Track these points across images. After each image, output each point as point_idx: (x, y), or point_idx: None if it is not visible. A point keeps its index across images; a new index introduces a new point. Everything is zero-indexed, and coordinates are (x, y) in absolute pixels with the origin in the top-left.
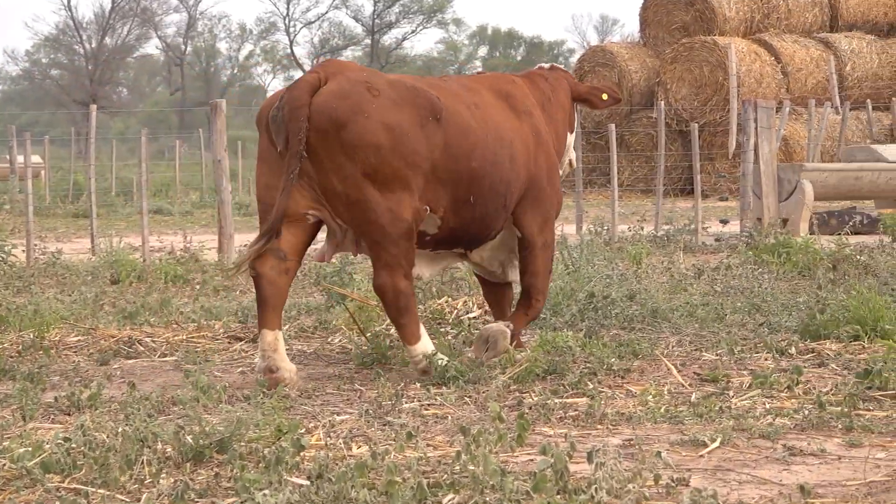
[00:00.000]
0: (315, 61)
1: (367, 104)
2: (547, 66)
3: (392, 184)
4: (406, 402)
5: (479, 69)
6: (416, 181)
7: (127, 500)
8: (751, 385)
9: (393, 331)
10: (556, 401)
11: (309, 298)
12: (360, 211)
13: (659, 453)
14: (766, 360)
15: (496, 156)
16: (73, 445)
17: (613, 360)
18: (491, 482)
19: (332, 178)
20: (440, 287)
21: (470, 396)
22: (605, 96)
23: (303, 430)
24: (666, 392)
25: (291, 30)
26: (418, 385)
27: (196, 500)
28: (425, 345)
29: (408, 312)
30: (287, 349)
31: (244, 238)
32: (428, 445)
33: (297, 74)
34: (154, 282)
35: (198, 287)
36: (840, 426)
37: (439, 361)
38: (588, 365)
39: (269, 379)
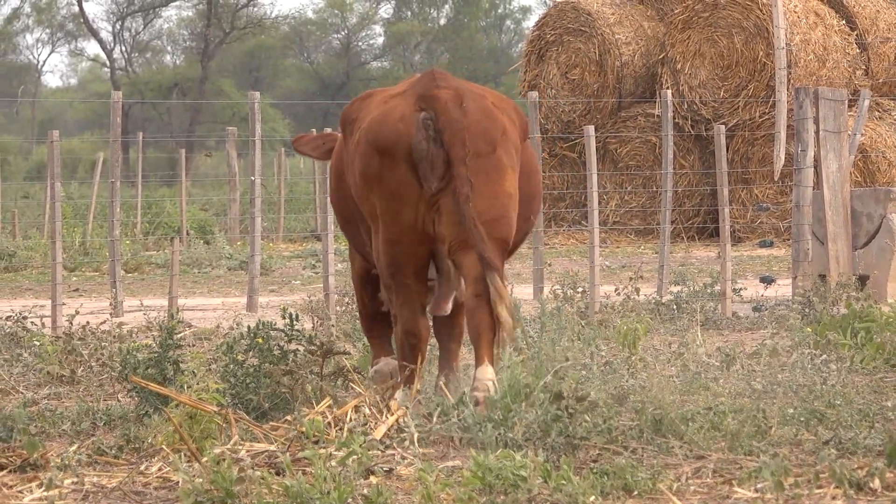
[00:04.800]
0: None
1: (507, 125)
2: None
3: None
4: None
5: (381, 38)
6: None
7: None
8: None
9: (244, 452)
10: None
11: (110, 402)
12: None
13: None
14: (834, 498)
15: None
16: None
17: (593, 498)
18: None
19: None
20: (315, 383)
21: None
22: None
23: None
24: None
25: None
26: None
27: None
28: None
29: None
30: (76, 483)
31: (6, 306)
32: None
33: (91, 47)
34: None
35: None
36: None
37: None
38: None
39: None
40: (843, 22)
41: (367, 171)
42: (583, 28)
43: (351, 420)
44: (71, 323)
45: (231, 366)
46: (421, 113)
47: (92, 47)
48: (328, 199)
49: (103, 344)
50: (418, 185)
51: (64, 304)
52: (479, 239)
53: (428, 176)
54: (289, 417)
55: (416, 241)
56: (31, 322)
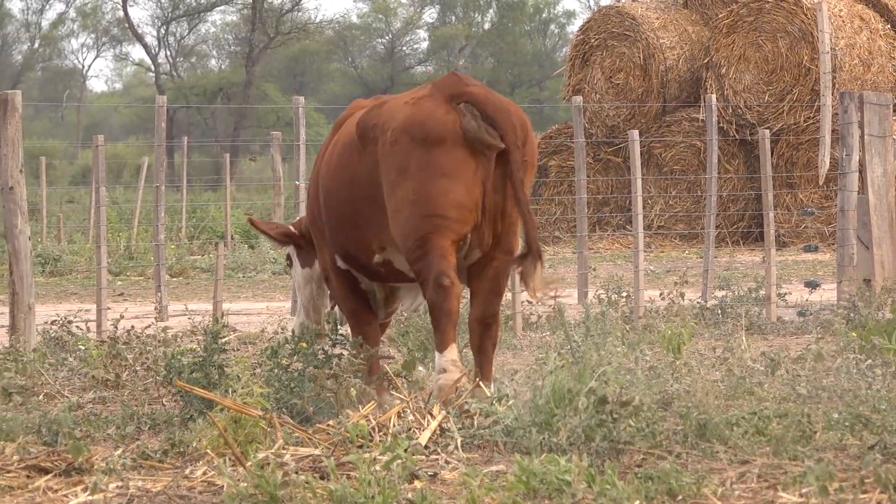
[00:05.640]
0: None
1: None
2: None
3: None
4: None
5: (425, 42)
6: None
7: None
8: None
9: (288, 456)
10: None
11: (154, 406)
12: (513, 235)
13: None
14: (878, 503)
15: None
16: None
17: (637, 502)
18: None
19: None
20: (360, 387)
21: None
22: None
23: None
24: None
25: None
26: None
27: None
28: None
29: None
30: (121, 487)
31: (51, 310)
32: None
33: (136, 51)
34: None
35: None
36: None
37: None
38: None
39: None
40: (889, 26)
41: (407, 161)
42: (627, 32)
43: (395, 425)
44: (116, 327)
45: (275, 370)
46: (460, 104)
47: (137, 52)
48: None
49: (148, 348)
50: (474, 164)
51: (109, 308)
52: (531, 226)
53: (489, 142)
54: (333, 422)
55: (471, 211)
56: (77, 326)
